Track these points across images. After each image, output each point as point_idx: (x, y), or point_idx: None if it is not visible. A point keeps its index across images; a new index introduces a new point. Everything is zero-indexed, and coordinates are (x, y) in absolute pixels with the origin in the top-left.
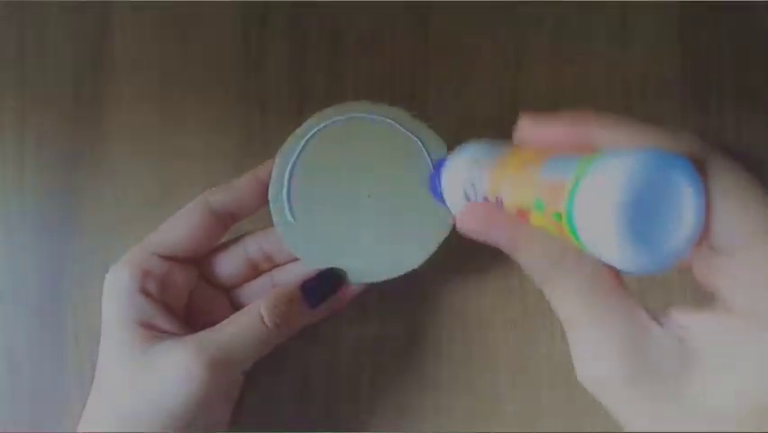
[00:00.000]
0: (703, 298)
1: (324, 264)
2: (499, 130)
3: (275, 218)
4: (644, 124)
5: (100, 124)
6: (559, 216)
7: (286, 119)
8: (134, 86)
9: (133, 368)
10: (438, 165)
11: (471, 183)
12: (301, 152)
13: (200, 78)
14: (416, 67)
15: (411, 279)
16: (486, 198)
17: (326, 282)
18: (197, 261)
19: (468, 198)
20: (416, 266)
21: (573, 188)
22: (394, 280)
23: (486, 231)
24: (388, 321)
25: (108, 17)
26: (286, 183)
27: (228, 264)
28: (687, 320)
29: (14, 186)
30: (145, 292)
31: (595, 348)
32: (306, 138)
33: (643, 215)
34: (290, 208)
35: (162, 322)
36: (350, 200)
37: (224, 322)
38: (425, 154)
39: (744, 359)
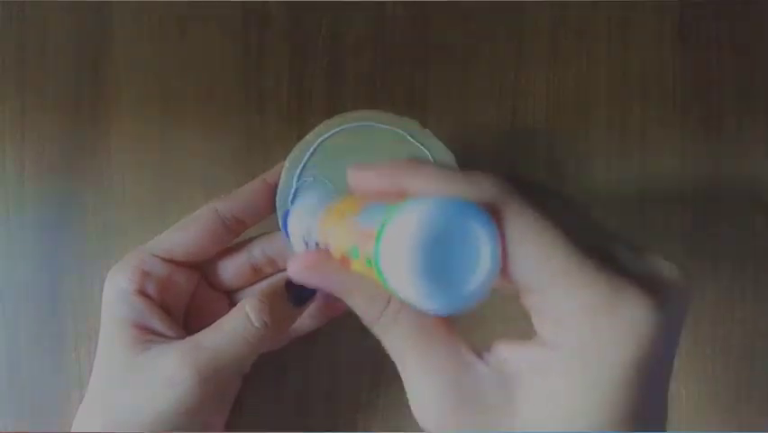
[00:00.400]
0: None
1: None
2: (499, 130)
3: (282, 223)
4: (449, 172)
5: (100, 124)
6: (370, 261)
7: (286, 119)
8: (134, 86)
9: (124, 370)
10: (287, 211)
11: (308, 231)
12: (309, 159)
13: (200, 78)
14: (415, 67)
15: None
16: (318, 246)
17: None
18: (200, 264)
19: (306, 245)
20: None
21: (378, 235)
22: None
23: (314, 279)
24: None
25: (108, 17)
26: (293, 189)
27: (231, 268)
28: (508, 353)
29: (14, 186)
30: (143, 294)
31: (422, 390)
32: (314, 145)
33: (439, 258)
34: None
35: (159, 324)
36: None
37: (214, 325)
38: None
39: (553, 389)
